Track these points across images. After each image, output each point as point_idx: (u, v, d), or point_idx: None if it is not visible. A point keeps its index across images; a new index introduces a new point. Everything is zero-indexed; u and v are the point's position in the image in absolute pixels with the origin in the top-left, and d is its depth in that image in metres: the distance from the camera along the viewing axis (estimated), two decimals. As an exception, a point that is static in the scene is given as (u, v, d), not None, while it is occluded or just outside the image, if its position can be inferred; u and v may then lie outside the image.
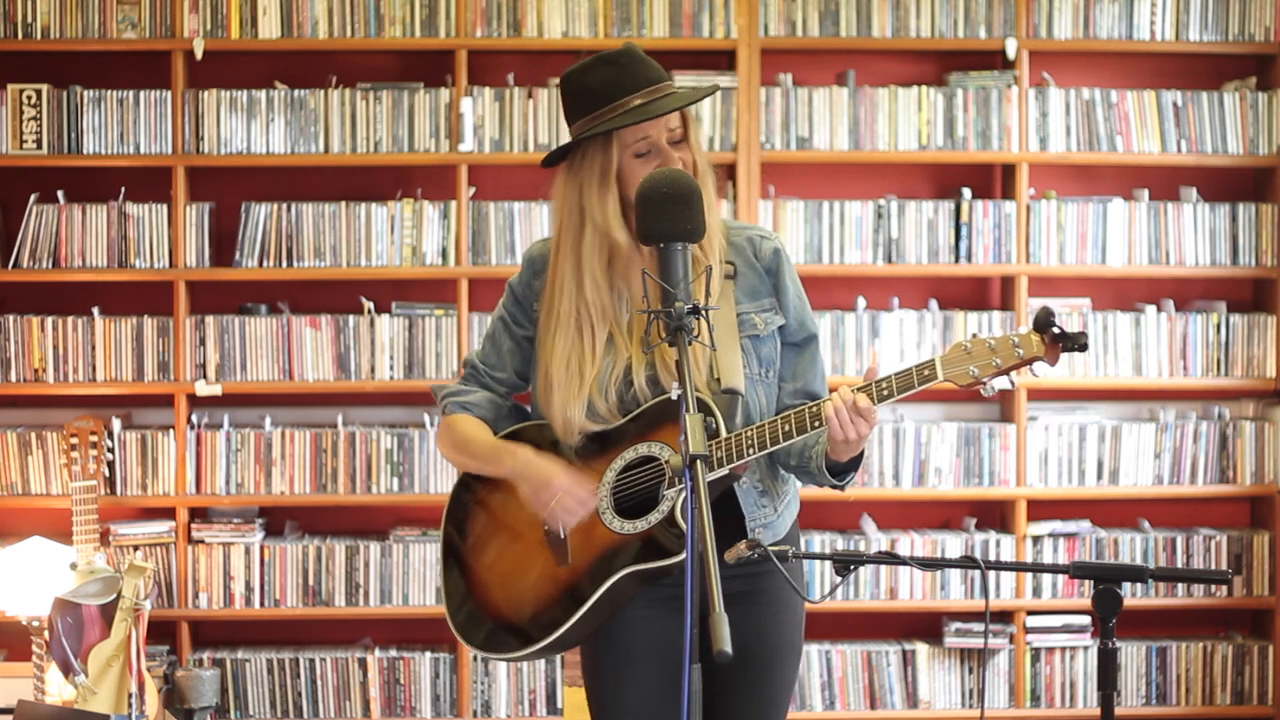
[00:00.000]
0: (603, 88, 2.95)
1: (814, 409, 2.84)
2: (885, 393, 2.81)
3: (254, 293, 5.40)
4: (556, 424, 2.99)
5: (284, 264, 5.29)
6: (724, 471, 2.87)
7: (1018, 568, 2.83)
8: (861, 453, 2.93)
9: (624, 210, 2.99)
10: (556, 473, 2.94)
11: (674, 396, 2.88)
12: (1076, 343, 2.71)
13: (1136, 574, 2.70)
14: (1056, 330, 2.72)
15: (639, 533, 2.89)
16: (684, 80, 5.19)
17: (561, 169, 3.03)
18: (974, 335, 2.84)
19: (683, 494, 2.85)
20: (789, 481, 3.08)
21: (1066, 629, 5.36)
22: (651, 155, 2.95)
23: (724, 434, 2.87)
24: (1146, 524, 5.47)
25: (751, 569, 2.86)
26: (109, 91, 5.25)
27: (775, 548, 2.75)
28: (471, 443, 3.07)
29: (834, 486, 2.99)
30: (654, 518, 2.89)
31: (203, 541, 5.29)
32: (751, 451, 2.86)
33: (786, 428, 2.85)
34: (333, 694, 5.32)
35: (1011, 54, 5.34)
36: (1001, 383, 2.78)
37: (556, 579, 2.96)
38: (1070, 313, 5.39)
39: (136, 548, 5.24)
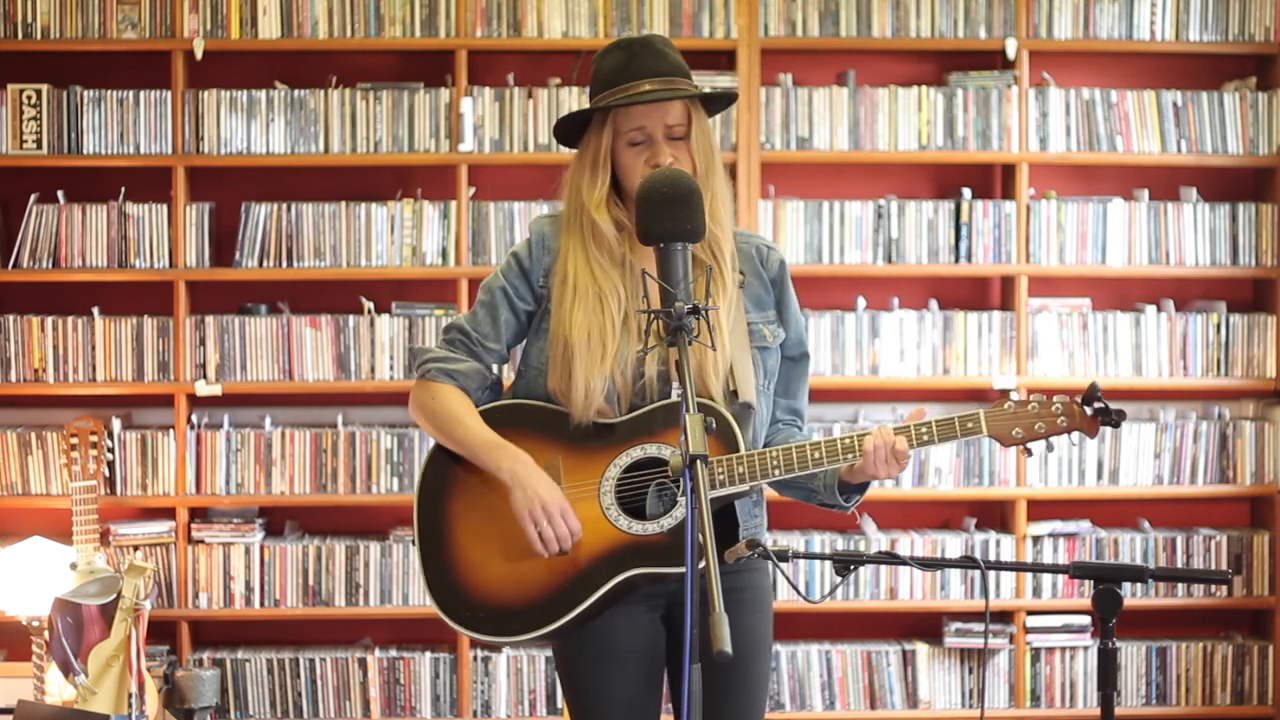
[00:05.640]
0: (611, 71, 2.98)
1: (847, 441, 2.89)
2: (925, 438, 2.89)
3: (254, 293, 5.40)
4: (576, 395, 2.94)
5: (284, 264, 5.29)
6: (744, 489, 2.90)
7: (1018, 568, 2.85)
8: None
9: (622, 199, 3.02)
10: (553, 496, 2.92)
11: (674, 396, 2.88)
12: (1114, 421, 2.89)
13: (1136, 574, 2.70)
14: (1100, 405, 2.89)
15: (649, 535, 2.90)
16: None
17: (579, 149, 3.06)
18: (1015, 399, 2.93)
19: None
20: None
21: (1066, 629, 5.36)
22: (644, 146, 2.97)
23: (742, 450, 2.88)
24: (1146, 524, 5.47)
25: (725, 569, 2.87)
26: (109, 91, 5.25)
27: (775, 549, 2.76)
28: (462, 425, 3.01)
29: (840, 508, 3.02)
30: (666, 522, 2.89)
31: (203, 541, 5.29)
32: (777, 473, 2.89)
33: (816, 455, 2.89)
34: (333, 694, 5.32)
35: (1011, 54, 5.34)
36: (1038, 447, 2.94)
37: (555, 568, 2.94)
38: (1070, 312, 5.39)
39: (136, 548, 5.24)
